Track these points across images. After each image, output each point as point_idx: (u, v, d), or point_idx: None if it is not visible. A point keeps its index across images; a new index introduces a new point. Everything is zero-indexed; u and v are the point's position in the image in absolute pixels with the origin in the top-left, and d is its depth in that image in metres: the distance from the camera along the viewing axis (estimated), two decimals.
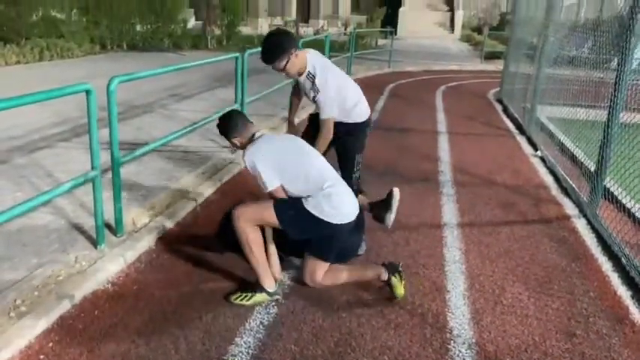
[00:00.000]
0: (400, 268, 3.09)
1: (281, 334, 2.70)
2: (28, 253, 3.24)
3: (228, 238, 3.13)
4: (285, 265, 3.36)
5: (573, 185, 4.84)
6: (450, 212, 4.40)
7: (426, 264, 3.49)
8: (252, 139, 3.01)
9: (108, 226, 3.53)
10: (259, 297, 2.95)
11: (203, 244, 3.61)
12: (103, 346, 2.54)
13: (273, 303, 2.97)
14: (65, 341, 2.55)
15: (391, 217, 3.55)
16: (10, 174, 4.60)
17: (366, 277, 3.09)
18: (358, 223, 3.18)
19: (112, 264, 3.19)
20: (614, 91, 4.01)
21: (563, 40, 6.72)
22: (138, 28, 16.38)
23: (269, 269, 3.00)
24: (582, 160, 5.17)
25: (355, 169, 3.76)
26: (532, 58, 8.13)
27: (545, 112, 6.99)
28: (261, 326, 2.76)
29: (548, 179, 5.40)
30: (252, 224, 2.88)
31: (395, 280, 3.03)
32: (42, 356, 2.44)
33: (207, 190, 4.49)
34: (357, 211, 2.99)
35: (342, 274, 3.04)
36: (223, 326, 2.74)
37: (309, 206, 2.85)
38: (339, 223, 2.87)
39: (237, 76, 5.40)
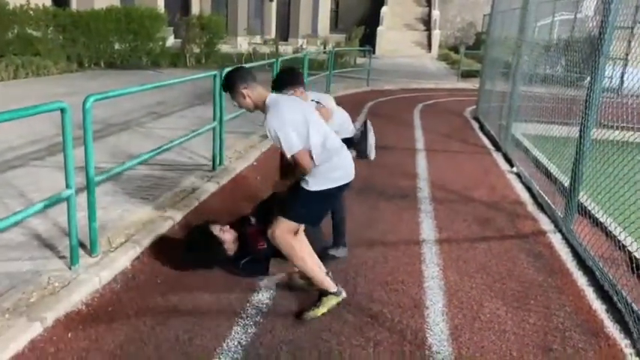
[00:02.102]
0: (339, 298, 3.05)
1: (259, 354, 2.67)
2: None
3: (195, 251, 3.41)
4: (262, 284, 3.34)
5: (548, 201, 4.92)
6: (428, 228, 4.42)
7: (405, 280, 3.49)
8: (265, 104, 2.98)
9: (83, 245, 3.46)
10: (330, 300, 3.02)
11: (180, 263, 3.56)
12: None
13: (252, 323, 2.93)
14: None
15: (370, 144, 3.82)
16: None
17: (318, 281, 3.03)
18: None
19: (86, 285, 3.12)
20: (586, 108, 4.11)
21: (537, 59, 6.89)
22: (116, 46, 16.26)
23: (325, 275, 3.07)
24: (557, 176, 5.26)
25: None
26: (507, 76, 8.30)
27: (520, 129, 7.13)
28: (239, 346, 2.72)
29: (524, 195, 5.48)
30: (289, 236, 2.97)
31: (325, 300, 3.01)
32: None
33: (185, 209, 4.44)
34: (353, 174, 3.10)
35: (308, 261, 3.02)
36: (200, 347, 2.70)
37: (308, 184, 2.90)
38: (346, 182, 3.02)
39: (214, 94, 5.40)
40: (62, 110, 2.96)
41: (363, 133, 3.83)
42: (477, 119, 10.17)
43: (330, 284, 3.04)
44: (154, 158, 4.62)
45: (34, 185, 4.73)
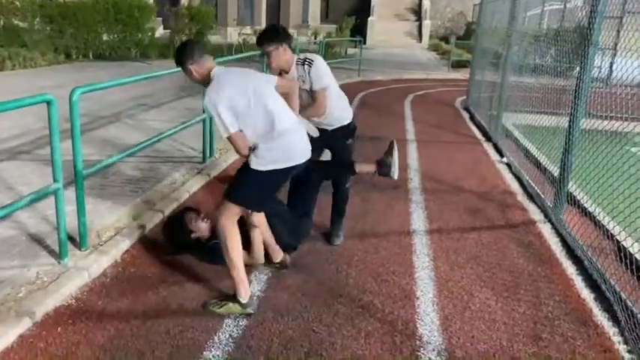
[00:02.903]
0: (244, 310, 2.92)
1: (250, 346, 2.67)
2: None
3: (175, 240, 3.51)
4: (254, 277, 3.34)
5: (538, 191, 4.95)
6: (419, 219, 4.44)
7: (396, 271, 3.51)
8: (209, 77, 2.86)
9: (72, 239, 3.44)
10: (232, 307, 2.92)
11: (170, 256, 3.55)
12: None
13: (243, 315, 2.93)
14: None
15: (394, 163, 3.70)
16: None
17: (236, 282, 2.93)
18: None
19: (75, 279, 3.10)
20: (575, 98, 4.13)
21: (527, 49, 6.89)
22: (104, 37, 16.07)
23: (245, 278, 2.95)
24: (546, 166, 5.29)
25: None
26: (497, 66, 8.31)
27: (510, 119, 7.15)
28: (230, 339, 2.71)
29: (514, 185, 5.50)
30: (230, 226, 2.89)
31: (230, 304, 2.94)
32: None
33: (175, 202, 4.42)
34: (306, 157, 2.97)
35: (235, 253, 2.91)
36: (191, 340, 2.69)
37: (256, 163, 2.82)
38: (293, 165, 2.89)
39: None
40: (48, 103, 2.92)
41: (388, 154, 3.72)
42: (467, 109, 10.19)
43: (243, 291, 2.91)
44: (144, 151, 4.58)
45: (21, 179, 4.67)
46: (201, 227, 3.46)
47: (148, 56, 16.50)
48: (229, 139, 2.81)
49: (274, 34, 3.44)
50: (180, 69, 2.99)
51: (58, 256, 3.26)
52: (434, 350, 2.69)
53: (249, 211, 3.14)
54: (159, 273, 3.35)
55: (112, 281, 3.24)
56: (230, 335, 2.74)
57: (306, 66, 3.48)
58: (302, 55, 3.57)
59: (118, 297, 3.06)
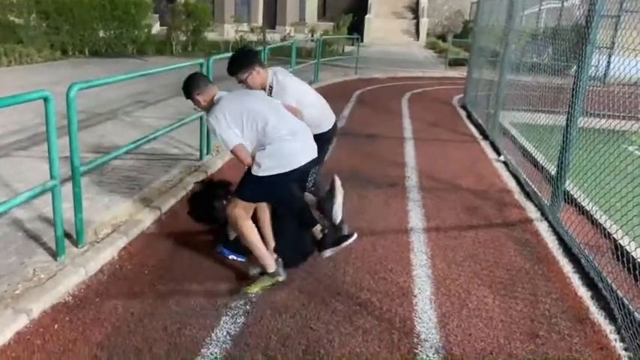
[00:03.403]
0: (275, 283, 3.15)
1: (248, 343, 2.67)
2: None
3: (198, 213, 3.75)
4: (250, 274, 3.34)
5: (535, 189, 4.96)
6: (416, 217, 4.44)
7: (394, 269, 3.51)
8: (213, 101, 3.15)
9: (69, 236, 3.43)
10: (264, 280, 3.17)
11: (167, 254, 3.55)
12: None
13: (241, 312, 2.93)
14: (22, 358, 2.45)
15: (335, 207, 3.56)
16: None
17: (259, 257, 3.16)
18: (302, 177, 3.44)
19: (72, 276, 3.09)
20: (572, 96, 4.13)
21: (524, 48, 6.90)
22: (101, 33, 16.02)
23: (267, 253, 3.20)
24: (543, 165, 5.30)
25: (312, 175, 3.90)
26: (494, 64, 8.32)
27: (507, 117, 7.15)
28: (227, 336, 2.71)
29: (512, 183, 5.51)
30: (243, 219, 3.11)
31: (264, 278, 3.16)
32: None
33: (172, 199, 4.41)
34: (305, 159, 3.11)
35: (253, 237, 3.14)
36: (189, 337, 2.69)
37: (260, 171, 3.00)
38: (291, 169, 3.03)
39: None
40: (45, 99, 2.91)
41: (330, 192, 3.59)
42: (464, 108, 10.19)
43: (269, 264, 3.16)
44: (141, 148, 4.57)
45: (18, 175, 4.66)
46: (222, 207, 3.52)
47: (144, 53, 16.46)
48: (232, 152, 3.07)
49: (243, 60, 3.48)
50: (186, 97, 3.26)
51: (55, 253, 3.24)
52: (431, 348, 2.70)
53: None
54: (156, 270, 3.34)
55: (109, 278, 3.23)
56: (228, 332, 2.74)
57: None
58: (273, 83, 3.59)
59: (115, 294, 3.05)
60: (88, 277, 3.19)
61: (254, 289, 3.12)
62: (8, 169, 4.88)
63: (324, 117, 3.83)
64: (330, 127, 3.87)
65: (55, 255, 3.25)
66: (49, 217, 3.73)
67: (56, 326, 2.71)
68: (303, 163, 3.09)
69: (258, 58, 3.62)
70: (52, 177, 3.07)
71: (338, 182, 3.63)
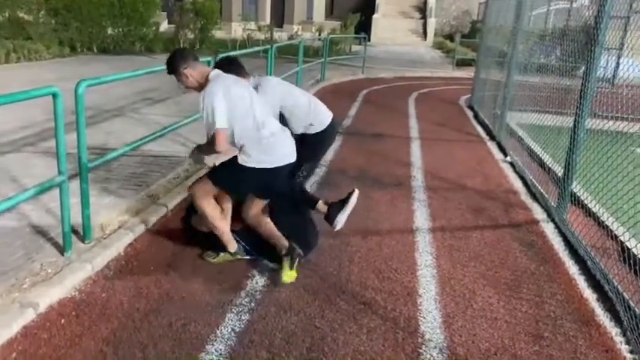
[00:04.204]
0: (296, 257, 3.21)
1: (252, 340, 2.67)
2: None
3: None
4: (257, 272, 3.35)
5: (542, 190, 4.94)
6: (422, 217, 4.43)
7: (399, 268, 3.51)
8: (207, 79, 3.07)
9: (75, 232, 3.45)
10: (225, 256, 3.41)
11: (173, 250, 3.56)
12: (70, 356, 2.47)
13: (246, 310, 2.94)
14: (29, 352, 2.47)
15: (342, 218, 3.48)
16: None
17: (276, 242, 3.32)
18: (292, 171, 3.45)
19: (79, 271, 3.11)
20: (580, 98, 4.12)
21: (532, 48, 6.87)
22: (109, 31, 16.10)
23: (231, 235, 3.38)
24: (550, 166, 5.28)
25: (299, 174, 3.86)
26: (502, 65, 8.29)
27: (514, 118, 7.13)
28: (232, 333, 2.72)
29: (518, 184, 5.50)
30: (206, 199, 3.23)
31: (285, 261, 3.19)
32: None
33: (178, 196, 4.42)
34: (288, 158, 3.20)
35: (267, 226, 3.36)
36: (194, 334, 2.70)
37: (243, 160, 3.07)
38: (272, 167, 3.11)
39: None
40: (54, 95, 2.92)
41: (343, 202, 3.48)
42: (471, 108, 10.17)
43: (231, 246, 3.38)
44: (148, 145, 4.59)
45: (25, 171, 4.69)
46: None
47: (152, 50, 16.52)
48: (216, 132, 2.96)
49: (168, 66, 3.18)
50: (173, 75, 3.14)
51: (62, 248, 3.27)
52: (436, 348, 2.69)
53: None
54: (162, 267, 3.36)
55: (115, 274, 3.24)
56: (232, 329, 2.75)
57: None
58: (254, 82, 3.58)
59: (121, 290, 3.06)
60: (94, 272, 3.21)
61: (214, 261, 3.40)
62: (16, 164, 4.91)
63: (313, 118, 3.75)
64: (325, 127, 3.79)
65: (62, 250, 3.27)
66: (55, 213, 3.76)
67: (63, 321, 2.73)
68: (286, 163, 3.19)
69: (242, 70, 3.55)
70: (59, 173, 3.08)
71: (355, 197, 3.52)
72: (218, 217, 3.29)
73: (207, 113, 2.95)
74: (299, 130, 3.70)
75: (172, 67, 3.10)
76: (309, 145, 3.72)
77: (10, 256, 3.21)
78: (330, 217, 3.47)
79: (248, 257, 3.49)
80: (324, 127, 3.80)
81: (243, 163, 3.09)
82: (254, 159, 3.08)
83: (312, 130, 3.74)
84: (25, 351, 2.48)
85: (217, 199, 3.36)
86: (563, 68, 5.48)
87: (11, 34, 13.75)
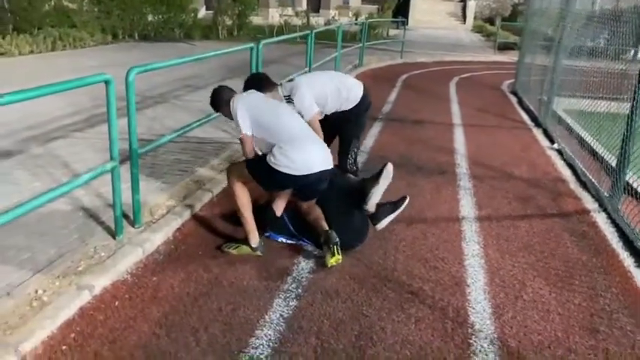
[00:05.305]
0: (332, 244, 3.19)
1: (301, 326, 2.69)
2: (47, 243, 3.25)
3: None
4: (303, 257, 3.36)
5: (593, 179, 4.77)
6: (467, 205, 4.35)
7: (445, 258, 3.46)
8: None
9: (126, 216, 3.52)
10: (244, 249, 3.35)
11: (219, 235, 3.60)
12: (125, 337, 2.54)
13: (293, 295, 2.95)
14: (87, 332, 2.55)
15: (387, 221, 3.56)
16: (27, 164, 4.62)
17: (246, 229, 3.34)
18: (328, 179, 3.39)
19: (130, 255, 3.19)
20: (638, 83, 3.93)
21: (582, 31, 6.60)
22: (149, 18, 16.34)
23: (255, 228, 3.34)
24: (603, 155, 5.08)
25: (350, 154, 4.09)
26: (548, 49, 8.02)
27: (562, 104, 6.89)
28: (281, 319, 2.74)
29: (566, 172, 5.33)
30: (239, 182, 3.30)
31: (325, 249, 3.22)
32: (64, 347, 2.44)
33: (224, 182, 4.46)
34: (316, 168, 3.18)
35: (316, 213, 3.43)
36: (243, 318, 2.73)
37: (271, 162, 3.14)
38: (298, 174, 3.13)
39: (251, 67, 5.36)
40: (107, 82, 2.97)
41: (375, 176, 3.50)
42: (514, 93, 9.90)
43: (253, 238, 3.33)
44: (192, 131, 4.64)
45: (76, 156, 4.82)
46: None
47: (191, 37, 16.70)
48: (241, 139, 3.28)
49: (259, 84, 3.67)
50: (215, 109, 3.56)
51: (114, 232, 3.35)
52: (486, 339, 2.65)
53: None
54: (210, 251, 3.41)
55: (165, 258, 3.31)
56: (281, 315, 2.77)
57: (290, 104, 3.66)
58: (285, 88, 3.76)
59: (171, 273, 3.13)
60: (145, 256, 3.28)
61: (231, 251, 3.36)
62: (66, 149, 5.05)
63: (347, 94, 3.91)
64: (357, 102, 3.94)
65: (113, 234, 3.36)
66: (105, 197, 3.86)
67: (117, 303, 2.80)
68: (314, 172, 3.17)
69: (269, 82, 3.76)
70: (111, 158, 3.15)
71: (388, 170, 3.55)
72: (246, 203, 3.32)
73: (235, 123, 3.27)
74: (340, 109, 3.91)
75: (215, 109, 3.55)
76: (352, 120, 3.99)
77: (66, 238, 3.31)
78: (376, 218, 3.56)
79: (293, 242, 3.51)
80: (358, 99, 3.94)
81: (272, 165, 3.14)
82: (281, 163, 3.12)
83: (350, 105, 3.92)
84: (83, 331, 2.55)
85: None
86: (618, 52, 5.24)
87: (57, 22, 14.12)
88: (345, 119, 3.96)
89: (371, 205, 3.50)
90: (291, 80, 4.00)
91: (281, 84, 3.88)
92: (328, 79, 3.97)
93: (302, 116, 3.57)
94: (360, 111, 4.01)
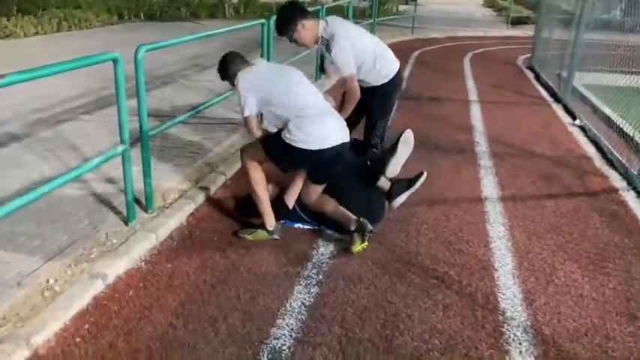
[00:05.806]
0: (367, 232, 3.05)
1: (324, 315, 2.56)
2: (58, 229, 3.14)
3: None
4: (322, 241, 3.24)
5: (620, 157, 4.57)
6: (490, 185, 4.19)
7: (470, 241, 3.31)
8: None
9: (137, 201, 3.40)
10: (261, 233, 3.20)
11: (234, 220, 3.48)
12: (140, 328, 2.43)
13: (314, 282, 2.83)
14: (101, 323, 2.44)
15: (403, 199, 3.40)
16: (36, 147, 4.49)
17: (343, 219, 3.19)
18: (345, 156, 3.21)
19: (143, 241, 3.07)
20: None
21: (608, 2, 6.32)
22: None
23: (270, 209, 3.20)
24: (630, 132, 4.86)
25: (374, 134, 3.79)
26: (567, 23, 7.73)
27: (584, 79, 6.65)
28: (302, 307, 2.62)
29: (591, 150, 5.13)
30: (254, 162, 3.15)
31: (356, 236, 3.06)
32: (78, 339, 2.34)
33: (236, 165, 4.33)
34: (335, 141, 3.03)
35: (330, 205, 3.25)
36: (263, 307, 2.61)
37: (286, 137, 3.00)
38: (314, 149, 2.98)
39: (262, 44, 5.18)
40: (114, 61, 2.83)
41: (393, 146, 3.37)
42: (531, 69, 9.62)
43: (269, 220, 3.19)
44: (202, 112, 4.49)
45: (84, 139, 4.69)
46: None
47: (197, 16, 16.43)
48: (245, 119, 3.14)
49: (283, 18, 3.41)
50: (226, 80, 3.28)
51: (126, 218, 3.23)
52: (519, 327, 2.51)
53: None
54: (225, 236, 3.28)
55: (179, 244, 3.19)
56: (302, 303, 2.65)
57: (328, 53, 3.44)
58: (325, 32, 3.44)
59: (186, 260, 3.01)
60: (158, 242, 3.17)
61: (249, 237, 3.21)
62: (74, 132, 4.92)
63: (382, 67, 3.61)
64: (389, 79, 3.65)
65: (125, 220, 3.24)
66: (116, 181, 3.74)
67: (131, 292, 2.69)
68: (332, 146, 3.02)
69: (301, 10, 3.44)
70: (122, 141, 3.01)
71: (407, 136, 3.41)
72: (261, 184, 3.19)
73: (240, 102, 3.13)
74: (369, 83, 3.61)
75: (224, 78, 3.29)
76: (379, 98, 3.66)
77: (77, 225, 3.20)
78: (391, 195, 3.41)
79: (310, 227, 3.38)
80: (391, 75, 3.66)
81: (287, 141, 3.00)
82: (296, 138, 2.98)
83: (381, 81, 3.61)
84: (97, 322, 2.45)
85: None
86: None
87: (62, 3, 13.91)
88: (372, 96, 3.62)
89: (391, 172, 3.37)
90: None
91: (321, 18, 3.56)
92: (369, 42, 3.60)
93: (337, 70, 3.40)
94: (390, 89, 3.69)
